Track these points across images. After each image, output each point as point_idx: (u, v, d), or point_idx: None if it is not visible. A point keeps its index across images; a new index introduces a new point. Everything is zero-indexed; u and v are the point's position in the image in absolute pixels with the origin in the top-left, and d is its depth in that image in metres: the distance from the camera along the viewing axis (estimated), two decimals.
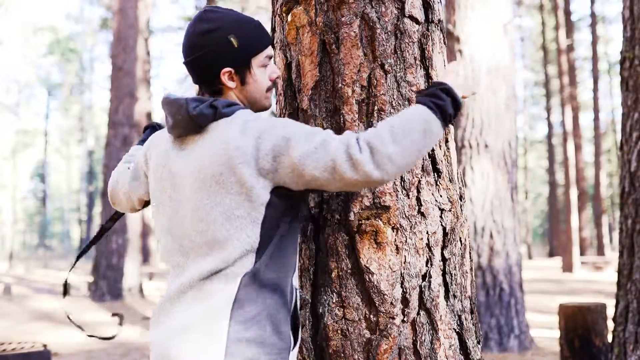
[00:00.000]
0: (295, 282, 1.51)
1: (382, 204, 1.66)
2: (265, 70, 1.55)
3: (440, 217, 1.73)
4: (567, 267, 17.67)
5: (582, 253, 20.94)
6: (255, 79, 1.53)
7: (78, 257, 1.78)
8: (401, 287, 1.66)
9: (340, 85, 1.70)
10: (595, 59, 23.33)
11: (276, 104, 1.94)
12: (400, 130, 1.34)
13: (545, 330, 7.47)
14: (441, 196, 1.74)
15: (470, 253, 1.85)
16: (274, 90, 1.63)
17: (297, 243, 1.50)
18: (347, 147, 1.33)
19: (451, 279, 1.73)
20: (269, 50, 1.55)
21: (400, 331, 1.65)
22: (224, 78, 1.50)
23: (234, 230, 1.38)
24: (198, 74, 1.53)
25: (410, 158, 1.35)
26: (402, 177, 1.68)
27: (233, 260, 1.38)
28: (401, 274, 1.66)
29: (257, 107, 1.58)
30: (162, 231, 1.53)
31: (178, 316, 1.39)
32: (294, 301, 1.47)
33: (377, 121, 1.68)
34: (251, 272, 1.39)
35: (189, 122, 1.45)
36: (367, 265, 1.65)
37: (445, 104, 1.41)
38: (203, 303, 1.37)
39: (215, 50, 1.48)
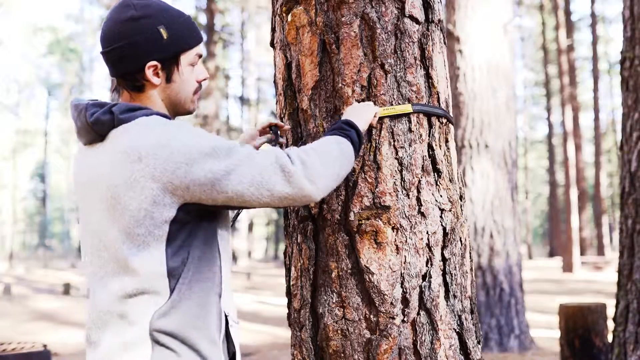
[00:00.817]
0: (225, 305, 1.37)
1: (382, 204, 1.66)
2: (194, 70, 1.43)
3: (441, 217, 1.72)
4: (567, 267, 17.68)
5: (582, 253, 20.96)
6: (183, 77, 1.41)
7: None
8: (401, 287, 1.66)
9: (340, 85, 1.70)
10: (595, 59, 23.34)
11: (276, 104, 1.93)
12: (321, 149, 1.38)
13: (545, 330, 7.47)
14: (441, 196, 1.73)
15: (470, 253, 1.85)
16: (200, 94, 1.50)
17: (216, 263, 1.35)
18: (276, 159, 1.30)
19: (451, 279, 1.72)
20: (200, 49, 1.44)
21: (401, 331, 1.65)
22: (149, 73, 1.36)
23: (136, 250, 1.25)
24: (118, 66, 1.37)
25: (334, 175, 1.39)
26: (402, 177, 1.68)
27: (141, 283, 1.25)
28: (401, 274, 1.66)
29: (180, 109, 1.45)
30: (82, 247, 1.40)
31: (103, 345, 1.28)
32: (222, 327, 1.34)
33: (377, 121, 1.68)
34: (166, 297, 1.26)
35: (88, 129, 1.32)
36: (367, 265, 1.65)
37: (350, 133, 1.49)
38: (124, 332, 1.26)
39: (141, 40, 1.34)
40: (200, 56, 1.44)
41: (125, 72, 1.37)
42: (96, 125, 1.30)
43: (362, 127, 1.55)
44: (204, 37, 20.48)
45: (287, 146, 1.79)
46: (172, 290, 1.27)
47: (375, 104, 1.68)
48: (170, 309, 1.26)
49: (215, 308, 1.33)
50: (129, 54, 1.35)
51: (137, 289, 1.26)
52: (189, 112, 1.47)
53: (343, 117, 1.57)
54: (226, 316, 1.36)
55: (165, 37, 1.35)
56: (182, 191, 1.24)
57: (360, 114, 1.58)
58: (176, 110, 1.45)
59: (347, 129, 1.50)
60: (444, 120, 1.80)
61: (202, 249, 1.32)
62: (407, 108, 1.67)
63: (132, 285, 1.26)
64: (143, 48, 1.34)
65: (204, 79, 1.46)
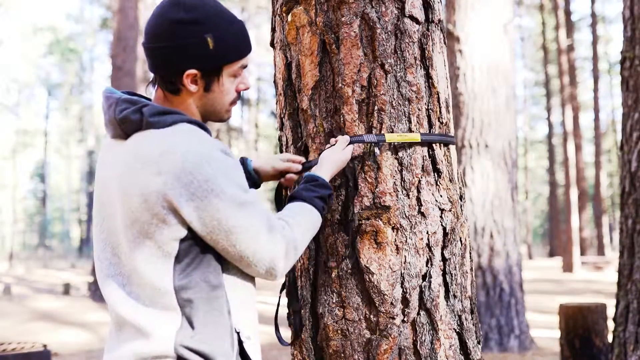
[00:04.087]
0: (236, 321, 1.31)
1: (382, 204, 1.66)
2: (235, 80, 1.36)
3: (441, 217, 1.72)
4: (567, 267, 17.68)
5: (582, 253, 20.95)
6: (222, 89, 1.34)
7: None
8: (401, 287, 1.66)
9: (340, 85, 1.70)
10: (595, 58, 23.34)
11: (276, 103, 1.93)
12: (307, 235, 1.37)
13: (545, 330, 7.47)
14: (441, 196, 1.73)
15: (470, 253, 1.85)
16: (239, 102, 1.46)
17: (221, 280, 1.29)
18: (278, 251, 1.27)
19: (451, 279, 1.72)
20: (246, 60, 1.36)
21: (401, 331, 1.65)
22: (187, 80, 1.30)
23: (145, 263, 1.22)
24: (157, 65, 1.31)
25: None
26: (402, 177, 1.68)
27: (151, 296, 1.23)
28: (401, 274, 1.66)
29: (214, 118, 1.39)
30: (94, 241, 1.35)
31: (120, 352, 1.26)
32: (235, 344, 1.29)
33: (377, 121, 1.68)
34: (180, 313, 1.23)
35: (115, 125, 1.27)
36: (367, 265, 1.65)
37: (325, 204, 1.47)
38: (143, 346, 1.23)
39: (185, 46, 1.27)
40: (245, 67, 1.37)
41: (162, 73, 1.32)
42: (123, 123, 1.26)
43: (331, 175, 1.55)
44: None
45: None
46: (184, 308, 1.24)
47: (375, 104, 1.68)
48: (189, 326, 1.23)
49: (227, 325, 1.28)
50: (169, 57, 1.28)
51: (149, 300, 1.23)
52: (222, 121, 1.42)
53: (320, 171, 1.53)
54: (238, 333, 1.31)
55: (211, 47, 1.28)
56: (187, 218, 1.21)
57: (335, 163, 1.56)
58: (209, 118, 1.39)
59: (325, 197, 1.47)
60: (444, 120, 1.80)
61: (215, 267, 1.28)
62: (416, 137, 1.68)
63: (143, 296, 1.24)
64: (185, 54, 1.27)
65: (245, 89, 1.39)
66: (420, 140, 1.68)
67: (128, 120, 1.25)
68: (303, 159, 1.69)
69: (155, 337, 1.22)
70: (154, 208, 1.20)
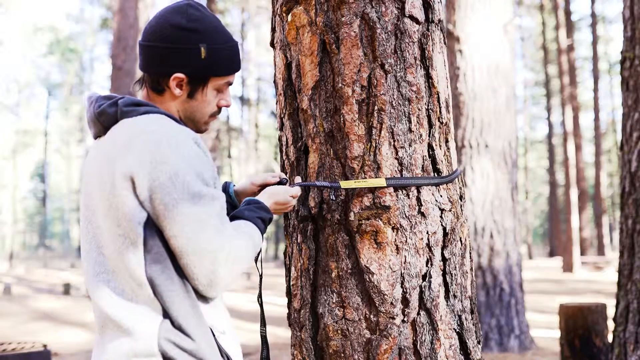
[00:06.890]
0: (207, 317, 1.30)
1: (382, 204, 1.66)
2: (218, 95, 1.43)
3: (441, 217, 1.72)
4: (568, 267, 17.68)
5: (582, 253, 20.95)
6: (205, 99, 1.41)
7: None
8: (401, 287, 1.66)
9: (340, 85, 1.70)
10: (595, 58, 23.35)
11: (276, 104, 1.93)
12: (251, 254, 1.32)
13: (545, 330, 7.47)
14: (441, 196, 1.73)
15: (470, 253, 1.85)
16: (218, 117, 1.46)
17: (182, 275, 1.27)
18: (221, 254, 1.22)
19: (451, 279, 1.72)
20: (232, 77, 1.44)
21: (401, 331, 1.65)
22: (172, 83, 1.36)
23: (118, 253, 1.23)
24: (149, 62, 1.38)
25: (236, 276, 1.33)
26: (402, 177, 1.68)
27: (128, 291, 1.24)
28: (401, 274, 1.66)
29: (191, 127, 1.44)
30: (81, 244, 1.37)
31: (108, 353, 1.27)
32: (214, 341, 1.29)
33: (377, 121, 1.68)
34: (158, 305, 1.24)
35: (95, 120, 1.35)
36: (367, 265, 1.65)
37: (265, 225, 1.44)
38: (127, 343, 1.23)
39: (178, 50, 1.35)
40: (230, 85, 1.45)
41: (152, 71, 1.39)
42: (101, 116, 1.33)
43: (273, 204, 1.53)
44: None
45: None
46: (161, 301, 1.24)
47: (375, 104, 1.68)
48: (170, 321, 1.24)
49: (199, 320, 1.28)
50: (161, 57, 1.36)
51: (132, 293, 1.24)
52: (199, 132, 1.45)
53: (263, 199, 1.51)
54: (211, 328, 1.31)
55: (202, 57, 1.36)
56: (140, 197, 1.22)
57: (277, 196, 1.54)
58: (188, 125, 1.43)
59: (266, 219, 1.44)
60: (444, 120, 1.80)
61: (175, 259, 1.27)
62: (381, 182, 1.64)
63: (127, 290, 1.25)
64: (176, 58, 1.35)
65: (226, 106, 1.45)
66: (385, 185, 1.63)
67: (105, 113, 1.32)
68: (282, 175, 1.69)
69: (138, 334, 1.23)
70: (119, 189, 1.22)
